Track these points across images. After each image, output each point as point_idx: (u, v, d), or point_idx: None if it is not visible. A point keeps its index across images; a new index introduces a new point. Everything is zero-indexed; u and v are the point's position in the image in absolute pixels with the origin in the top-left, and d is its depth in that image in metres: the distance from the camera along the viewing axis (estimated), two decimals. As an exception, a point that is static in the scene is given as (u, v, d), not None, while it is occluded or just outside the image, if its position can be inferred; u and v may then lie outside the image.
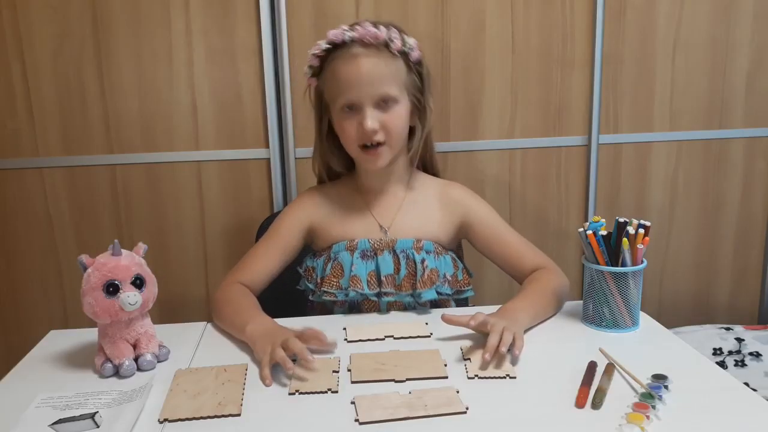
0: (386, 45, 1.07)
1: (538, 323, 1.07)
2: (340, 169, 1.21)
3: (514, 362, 0.91)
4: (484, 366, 0.89)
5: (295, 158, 1.65)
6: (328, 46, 1.08)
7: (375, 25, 1.07)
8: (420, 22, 1.62)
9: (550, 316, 1.10)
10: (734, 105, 1.78)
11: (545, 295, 1.10)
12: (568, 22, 1.67)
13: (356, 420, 0.78)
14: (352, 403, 0.82)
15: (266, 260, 1.17)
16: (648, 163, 1.79)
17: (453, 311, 1.12)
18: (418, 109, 1.14)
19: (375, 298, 1.14)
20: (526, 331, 1.01)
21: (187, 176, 1.66)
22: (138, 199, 1.66)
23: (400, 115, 1.10)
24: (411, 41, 1.09)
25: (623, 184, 1.80)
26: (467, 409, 0.80)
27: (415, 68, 1.11)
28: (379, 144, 1.10)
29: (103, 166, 1.64)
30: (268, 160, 1.66)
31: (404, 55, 1.09)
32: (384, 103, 1.08)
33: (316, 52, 1.10)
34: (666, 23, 1.71)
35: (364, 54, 1.06)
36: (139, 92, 1.60)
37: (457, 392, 0.84)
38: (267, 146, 1.65)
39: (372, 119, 1.07)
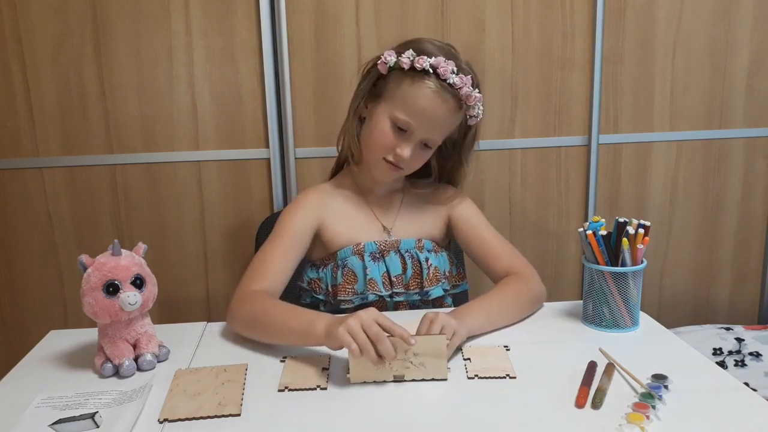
0: (468, 107, 1.10)
1: (497, 328, 1.05)
2: (354, 149, 1.17)
3: None
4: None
5: (295, 158, 1.66)
6: (429, 69, 1.05)
7: (474, 83, 1.08)
8: (420, 22, 1.62)
9: (514, 322, 1.08)
10: (734, 105, 1.78)
11: (505, 301, 1.08)
12: (568, 22, 1.67)
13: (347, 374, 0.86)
14: (347, 373, 0.87)
15: (283, 260, 1.10)
16: (648, 163, 1.79)
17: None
18: (440, 149, 1.18)
19: (389, 299, 1.16)
20: (479, 336, 1.02)
21: (187, 176, 1.66)
22: (138, 199, 1.66)
23: (427, 157, 1.15)
24: (481, 111, 1.12)
25: (623, 184, 1.80)
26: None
27: (465, 129, 1.15)
28: (399, 166, 1.12)
29: (103, 166, 1.64)
30: (268, 160, 1.66)
31: (468, 117, 1.12)
32: (425, 144, 1.11)
33: (417, 64, 1.05)
34: (666, 23, 1.71)
35: (448, 104, 1.07)
36: (139, 92, 1.60)
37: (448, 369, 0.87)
38: (267, 146, 1.65)
39: (409, 150, 1.09)
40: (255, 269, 1.09)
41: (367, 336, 0.85)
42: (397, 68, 1.08)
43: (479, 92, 1.09)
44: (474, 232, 1.20)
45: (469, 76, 1.07)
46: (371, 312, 0.88)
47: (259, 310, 1.01)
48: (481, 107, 1.12)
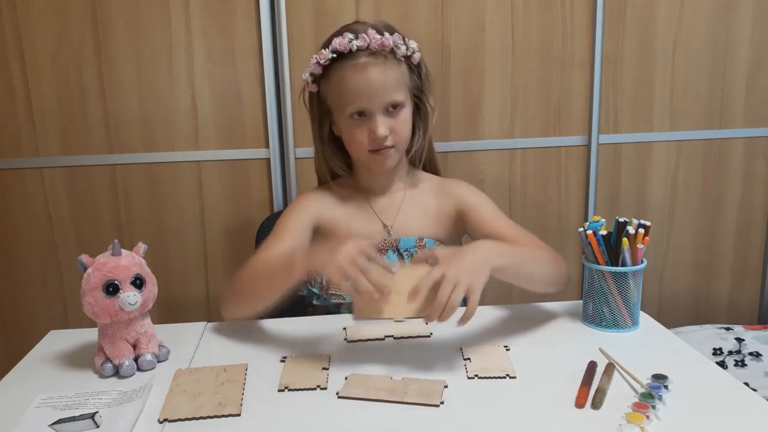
0: (392, 51, 1.07)
1: (518, 283, 1.02)
2: (341, 171, 1.20)
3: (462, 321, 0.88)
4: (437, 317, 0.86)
5: (295, 158, 1.66)
6: (333, 55, 1.06)
7: (379, 31, 1.07)
8: (420, 22, 1.62)
9: (536, 286, 1.05)
10: (734, 105, 1.78)
11: (535, 257, 1.05)
12: (568, 22, 1.67)
13: (337, 393, 0.84)
14: (346, 378, 0.86)
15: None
16: (648, 163, 1.79)
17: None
18: (418, 108, 1.15)
19: None
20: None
21: (187, 176, 1.66)
22: (138, 199, 1.66)
23: (406, 119, 1.12)
24: (413, 45, 1.10)
25: (623, 184, 1.80)
26: (441, 403, 0.81)
27: (416, 70, 1.12)
28: (387, 147, 1.11)
29: (103, 166, 1.64)
30: (268, 160, 1.66)
31: (407, 58, 1.10)
32: (392, 109, 1.09)
33: (321, 60, 1.08)
34: (666, 23, 1.71)
35: (371, 63, 1.06)
36: (139, 92, 1.60)
37: (445, 387, 0.85)
38: (267, 146, 1.65)
39: (383, 126, 1.08)
40: (249, 261, 1.10)
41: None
42: (319, 79, 1.11)
43: (392, 33, 1.07)
44: (487, 221, 1.16)
45: (371, 30, 1.06)
46: (354, 246, 0.87)
47: (242, 278, 1.04)
48: (410, 43, 1.09)
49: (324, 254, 0.89)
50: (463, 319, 0.87)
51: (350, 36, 1.05)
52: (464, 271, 0.87)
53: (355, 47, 1.05)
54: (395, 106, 1.09)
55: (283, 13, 1.57)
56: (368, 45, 1.05)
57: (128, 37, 1.57)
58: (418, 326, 1.04)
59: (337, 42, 1.05)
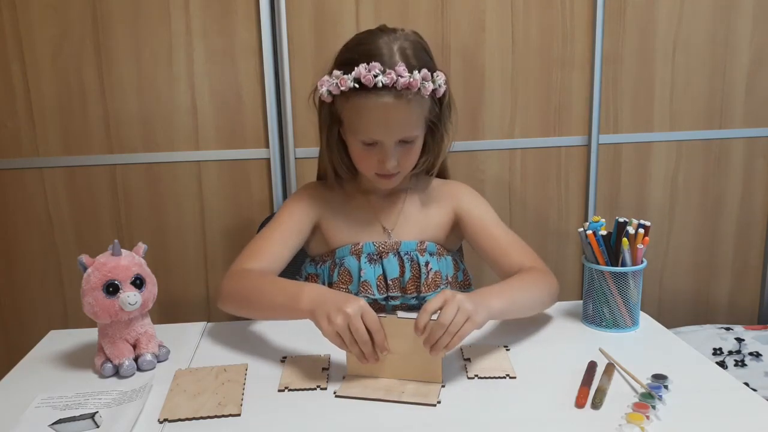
0: (418, 91, 1.01)
1: (518, 317, 1.03)
2: (346, 175, 1.17)
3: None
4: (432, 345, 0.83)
5: (295, 158, 1.65)
6: (355, 85, 0.99)
7: (409, 65, 0.99)
8: (420, 22, 1.62)
9: (533, 313, 1.06)
10: (734, 105, 1.78)
11: (529, 289, 1.03)
12: (568, 22, 1.67)
13: (334, 392, 0.85)
14: (344, 377, 0.88)
15: (281, 245, 1.09)
16: (648, 163, 1.79)
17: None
18: (432, 129, 1.11)
19: (384, 302, 1.14)
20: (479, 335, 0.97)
21: (187, 176, 1.66)
22: (138, 199, 1.66)
23: (417, 149, 1.09)
24: (440, 79, 1.03)
25: (623, 184, 1.80)
26: (438, 402, 0.82)
27: (438, 100, 1.08)
28: (393, 173, 1.09)
29: (103, 166, 1.64)
30: (268, 160, 1.66)
31: (432, 92, 1.04)
32: (405, 141, 1.06)
33: (342, 87, 1.01)
34: (666, 23, 1.71)
35: (393, 104, 1.00)
36: (139, 92, 1.60)
37: (443, 386, 0.85)
38: (267, 146, 1.65)
39: (394, 159, 1.06)
40: (248, 251, 1.09)
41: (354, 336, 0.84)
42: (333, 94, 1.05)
43: (421, 71, 1.00)
44: (481, 226, 1.16)
45: (400, 66, 0.98)
46: (358, 308, 0.84)
47: (247, 286, 1.02)
48: (438, 78, 1.03)
49: (330, 307, 0.86)
50: (447, 347, 0.83)
51: (377, 69, 0.98)
52: (467, 300, 0.86)
53: (380, 84, 0.98)
54: (407, 139, 1.06)
55: (283, 13, 1.57)
56: (394, 84, 0.98)
57: (128, 37, 1.57)
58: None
59: (362, 73, 0.98)
